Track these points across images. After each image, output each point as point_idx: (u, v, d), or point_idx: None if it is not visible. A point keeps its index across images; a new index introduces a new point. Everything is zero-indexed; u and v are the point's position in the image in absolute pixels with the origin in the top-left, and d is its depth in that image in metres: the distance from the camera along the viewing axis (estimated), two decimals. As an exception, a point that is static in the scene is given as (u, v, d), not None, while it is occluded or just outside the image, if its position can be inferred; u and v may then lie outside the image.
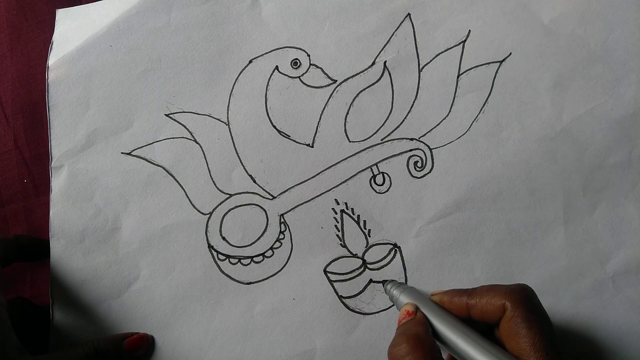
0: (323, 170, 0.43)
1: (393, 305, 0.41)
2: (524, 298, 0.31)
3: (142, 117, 0.44)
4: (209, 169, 0.43)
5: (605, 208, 0.41)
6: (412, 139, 0.43)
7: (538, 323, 0.30)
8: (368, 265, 0.42)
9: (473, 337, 0.31)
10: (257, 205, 0.43)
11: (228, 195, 0.43)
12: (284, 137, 0.44)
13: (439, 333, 0.33)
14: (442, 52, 0.43)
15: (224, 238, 0.43)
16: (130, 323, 0.42)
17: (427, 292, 0.40)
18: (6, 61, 0.49)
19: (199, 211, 0.43)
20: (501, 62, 0.43)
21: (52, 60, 0.45)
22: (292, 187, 0.43)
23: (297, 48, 0.44)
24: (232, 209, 0.43)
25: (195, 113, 0.44)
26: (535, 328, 0.30)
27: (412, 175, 0.42)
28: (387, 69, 0.43)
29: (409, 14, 0.44)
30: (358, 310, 0.41)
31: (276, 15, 0.45)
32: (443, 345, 0.33)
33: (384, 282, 0.41)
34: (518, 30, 0.43)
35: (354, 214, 0.42)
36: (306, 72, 0.44)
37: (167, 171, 0.43)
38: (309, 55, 0.44)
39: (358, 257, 0.42)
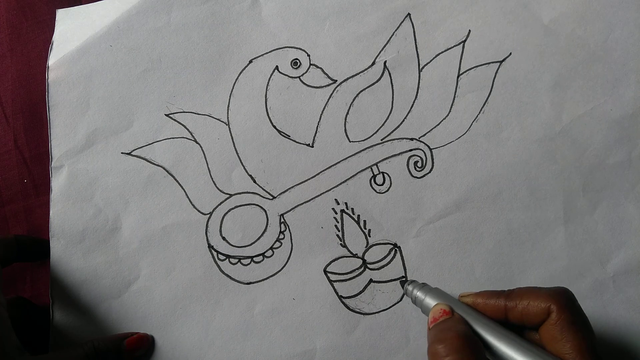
0: (323, 170, 0.43)
1: (393, 305, 0.41)
2: (569, 301, 0.31)
3: (142, 117, 0.44)
4: (209, 169, 0.43)
5: (605, 208, 0.41)
6: (412, 139, 0.43)
7: (583, 328, 0.30)
8: (368, 265, 0.42)
9: (518, 341, 0.30)
10: (257, 205, 0.43)
11: (228, 195, 0.43)
12: (284, 137, 0.44)
13: (478, 335, 0.31)
14: (442, 52, 0.43)
15: (224, 238, 0.43)
16: (130, 323, 0.42)
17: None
18: (6, 61, 0.49)
19: (199, 211, 0.43)
20: (501, 62, 0.43)
21: (52, 60, 0.45)
22: (292, 187, 0.43)
23: (297, 48, 0.44)
24: (232, 209, 0.43)
25: (196, 113, 0.44)
26: (581, 332, 0.30)
27: (412, 175, 0.42)
28: (387, 69, 0.43)
29: (409, 14, 0.44)
30: (358, 310, 0.41)
31: (276, 15, 0.45)
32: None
33: (402, 282, 0.40)
34: (518, 30, 0.43)
35: (354, 214, 0.42)
36: (306, 72, 0.44)
37: (167, 171, 0.43)
38: (309, 55, 0.44)
39: (358, 257, 0.42)
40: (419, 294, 0.36)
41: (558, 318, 0.30)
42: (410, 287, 0.37)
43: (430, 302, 0.35)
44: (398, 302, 0.41)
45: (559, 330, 0.30)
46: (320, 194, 0.43)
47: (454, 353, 0.28)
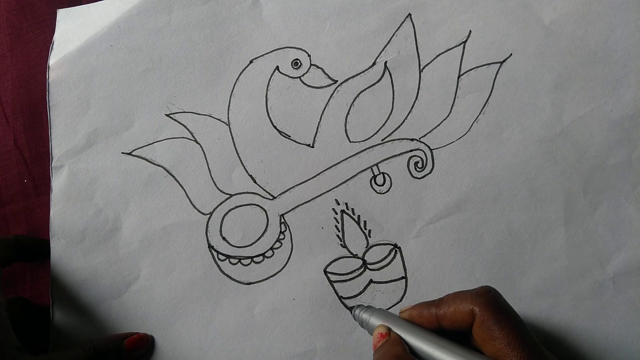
0: (323, 171, 0.43)
1: (394, 305, 0.41)
2: (490, 300, 0.31)
3: (143, 117, 0.44)
4: (209, 169, 0.43)
5: (605, 209, 0.41)
6: (412, 140, 0.43)
7: (509, 322, 0.30)
8: (368, 266, 0.42)
9: (450, 348, 0.31)
10: (258, 205, 0.43)
11: (228, 196, 0.43)
12: (285, 137, 0.44)
13: (415, 350, 0.32)
14: (442, 53, 0.43)
15: (224, 238, 0.43)
16: (130, 323, 0.42)
17: (423, 296, 0.40)
18: (6, 61, 0.49)
19: (199, 211, 0.43)
20: (502, 62, 0.43)
21: (52, 60, 0.45)
22: (293, 187, 0.43)
23: (297, 48, 0.44)
24: (233, 209, 0.43)
25: (196, 113, 0.44)
26: (507, 327, 0.30)
27: (413, 176, 0.42)
28: (388, 70, 0.43)
29: (409, 14, 0.44)
30: (358, 311, 0.41)
31: (277, 16, 0.45)
32: None
33: (351, 309, 0.41)
34: (519, 31, 0.43)
35: (354, 214, 0.42)
36: (307, 72, 0.44)
37: (167, 171, 0.43)
38: (309, 56, 0.44)
39: (358, 258, 0.42)
40: (364, 316, 0.37)
41: (482, 319, 0.31)
42: (357, 312, 0.38)
43: (374, 323, 0.36)
44: (398, 303, 0.41)
45: (485, 330, 0.31)
46: (321, 194, 0.43)
47: None
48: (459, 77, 0.43)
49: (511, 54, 0.43)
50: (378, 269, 0.41)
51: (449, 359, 0.31)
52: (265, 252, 0.42)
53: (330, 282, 0.42)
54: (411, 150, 0.43)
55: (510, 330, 0.30)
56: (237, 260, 0.42)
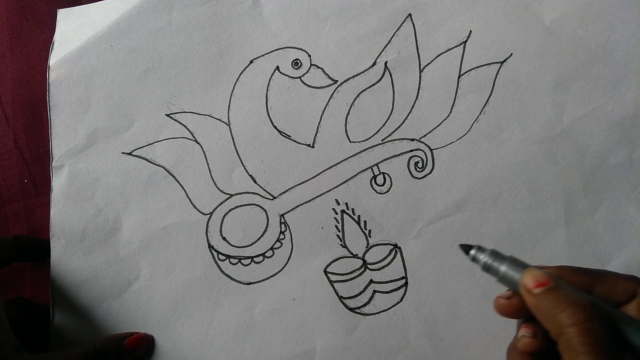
0: (324, 171, 0.43)
1: (394, 306, 0.41)
2: None
3: (143, 117, 0.44)
4: (209, 169, 0.43)
5: (606, 209, 0.41)
6: (412, 140, 0.43)
7: None
8: (368, 266, 0.42)
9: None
10: (258, 205, 0.43)
11: (228, 196, 0.43)
12: (285, 137, 0.43)
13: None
14: (443, 53, 0.43)
15: (224, 238, 0.43)
16: (130, 323, 0.42)
17: (423, 296, 0.40)
18: (6, 61, 0.49)
19: (199, 211, 0.43)
20: (502, 62, 0.43)
21: (53, 60, 0.45)
22: (293, 187, 0.43)
23: (297, 48, 0.44)
24: (233, 209, 0.43)
25: (196, 113, 0.44)
26: None
27: (413, 176, 0.42)
28: (388, 70, 0.43)
29: (409, 15, 0.44)
30: (358, 311, 0.41)
31: (277, 16, 0.45)
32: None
33: (463, 247, 0.33)
34: (519, 30, 0.43)
35: (354, 215, 0.42)
36: (307, 72, 0.44)
37: (167, 171, 0.43)
38: (309, 56, 0.44)
39: (358, 258, 0.42)
40: (502, 268, 0.31)
41: None
42: (480, 256, 0.32)
43: (515, 275, 0.30)
44: (398, 303, 0.41)
45: None
46: (321, 194, 0.43)
47: (582, 323, 0.26)
48: (459, 77, 0.43)
49: (511, 54, 0.43)
50: (378, 269, 0.41)
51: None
52: (265, 252, 0.42)
53: (331, 282, 0.42)
54: (411, 150, 0.43)
55: None
56: (237, 260, 0.42)
